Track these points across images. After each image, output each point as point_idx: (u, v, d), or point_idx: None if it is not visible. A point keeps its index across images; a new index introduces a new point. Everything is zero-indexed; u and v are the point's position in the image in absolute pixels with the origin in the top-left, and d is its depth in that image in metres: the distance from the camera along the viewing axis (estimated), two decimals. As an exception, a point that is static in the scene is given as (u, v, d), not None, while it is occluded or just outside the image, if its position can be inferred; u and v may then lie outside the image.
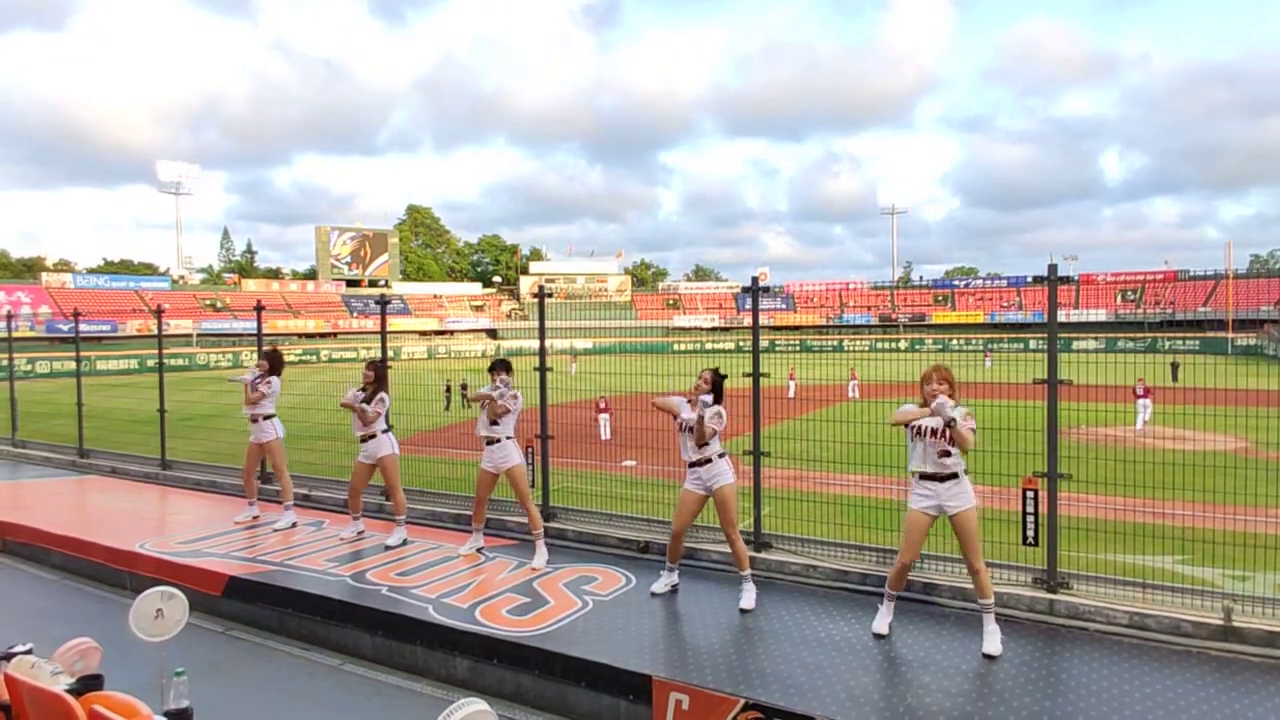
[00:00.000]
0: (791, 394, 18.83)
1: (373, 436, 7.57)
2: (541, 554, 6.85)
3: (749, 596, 5.82)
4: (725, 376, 5.91)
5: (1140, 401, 18.74)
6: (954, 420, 4.75)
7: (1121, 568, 6.46)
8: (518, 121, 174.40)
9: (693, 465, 5.85)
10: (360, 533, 7.78)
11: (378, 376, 7.71)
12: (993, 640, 4.91)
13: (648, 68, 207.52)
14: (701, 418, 5.62)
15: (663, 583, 6.15)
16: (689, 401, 5.85)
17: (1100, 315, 64.28)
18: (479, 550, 7.18)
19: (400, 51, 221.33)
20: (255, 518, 8.50)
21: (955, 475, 4.91)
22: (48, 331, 51.23)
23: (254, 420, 8.33)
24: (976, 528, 4.94)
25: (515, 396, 6.89)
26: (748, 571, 5.90)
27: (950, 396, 4.85)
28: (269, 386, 8.30)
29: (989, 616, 5.00)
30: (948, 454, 4.88)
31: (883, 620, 5.27)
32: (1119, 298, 69.41)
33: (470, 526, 7.34)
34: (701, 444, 5.74)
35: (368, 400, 7.55)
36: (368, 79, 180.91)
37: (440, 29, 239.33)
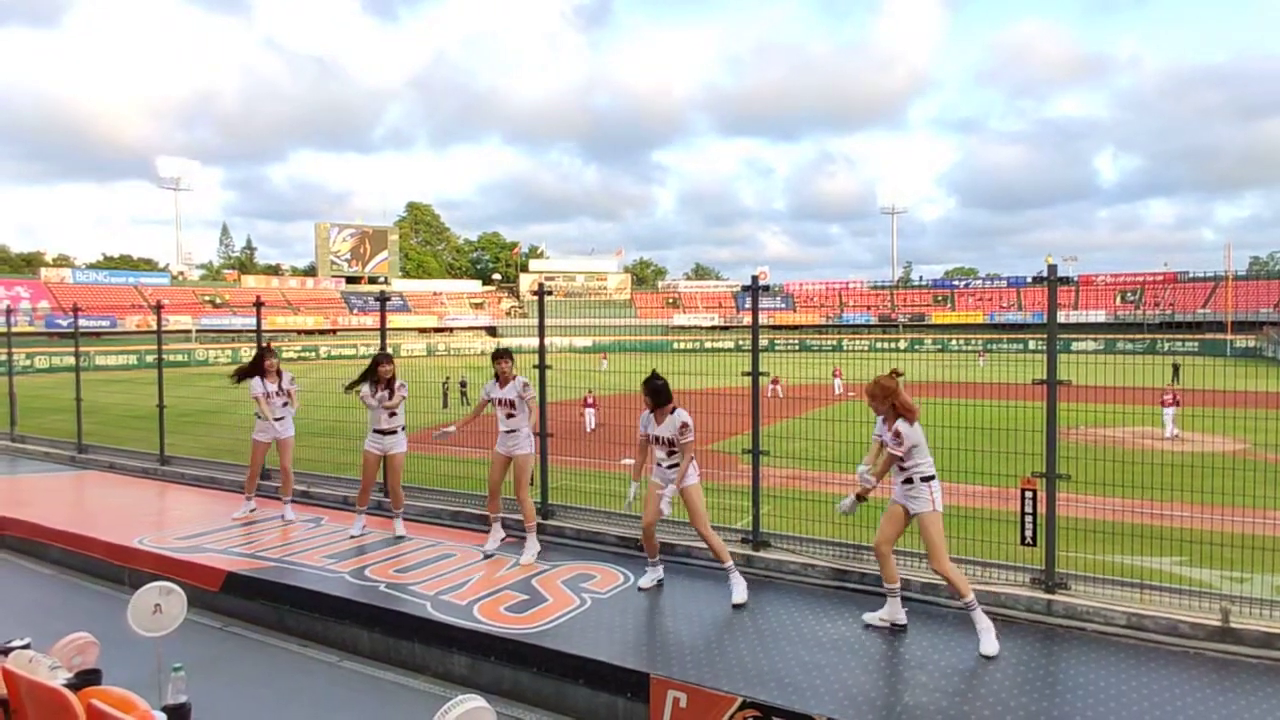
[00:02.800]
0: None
1: (394, 432, 7.61)
2: (531, 549, 6.88)
3: (739, 590, 5.84)
4: (660, 380, 5.90)
5: (1166, 410, 18.65)
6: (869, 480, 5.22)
7: (1120, 569, 6.47)
8: (512, 120, 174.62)
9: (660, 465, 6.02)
10: (364, 528, 7.80)
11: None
12: (988, 639, 4.92)
13: (640, 67, 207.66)
14: (676, 441, 5.83)
15: (649, 578, 6.21)
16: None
17: (1100, 316, 64.30)
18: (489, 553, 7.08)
19: (393, 49, 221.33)
20: (253, 511, 8.52)
21: (910, 480, 5.15)
22: (47, 326, 51.27)
23: (277, 419, 8.37)
24: (936, 533, 5.05)
25: (526, 385, 6.99)
26: (730, 564, 5.93)
27: (894, 408, 5.15)
28: (293, 385, 8.46)
29: (977, 614, 5.00)
30: (899, 460, 5.17)
31: (876, 614, 5.39)
32: (1118, 299, 69.49)
33: (484, 525, 7.34)
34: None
35: (390, 390, 7.58)
36: (361, 76, 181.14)
37: (432, 27, 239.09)
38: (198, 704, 3.17)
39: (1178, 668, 4.69)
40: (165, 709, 2.83)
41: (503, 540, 7.19)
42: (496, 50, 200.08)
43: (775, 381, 21.18)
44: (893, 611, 5.35)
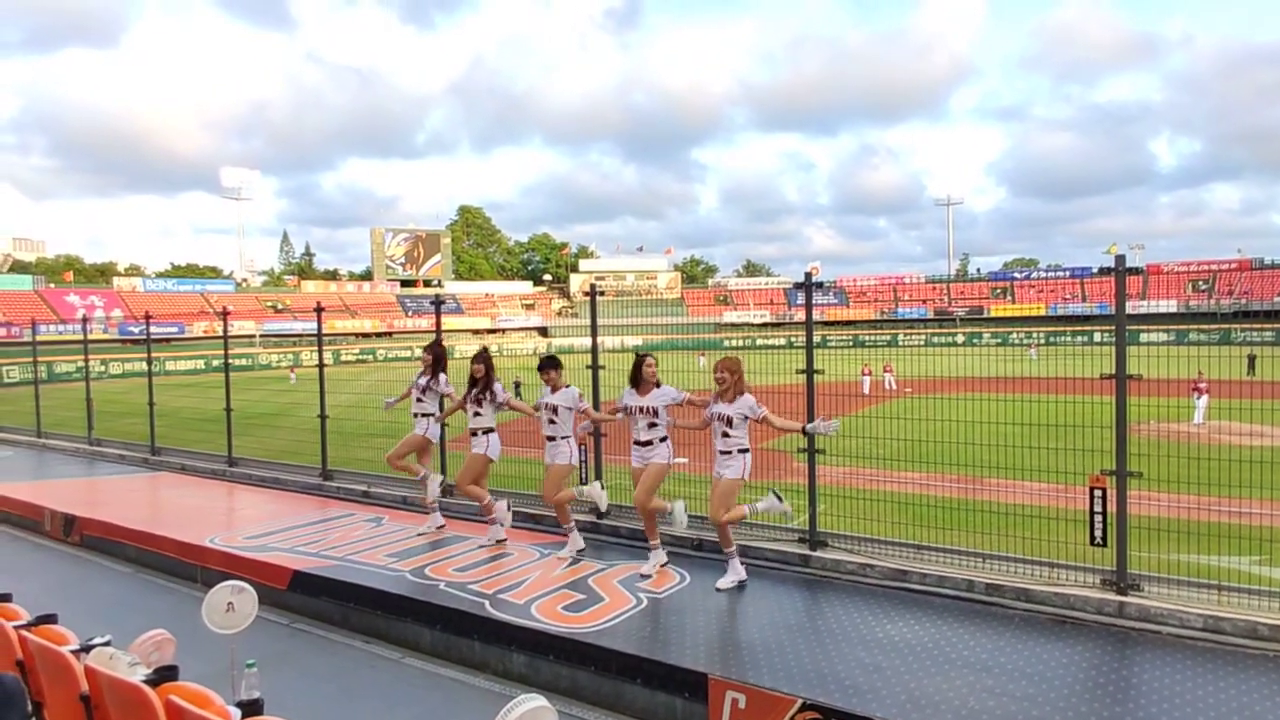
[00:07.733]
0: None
1: (474, 433, 7.13)
2: (573, 545, 7.04)
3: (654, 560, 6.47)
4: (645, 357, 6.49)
5: (1199, 399, 17.95)
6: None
7: (1194, 569, 6.22)
8: (551, 122, 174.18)
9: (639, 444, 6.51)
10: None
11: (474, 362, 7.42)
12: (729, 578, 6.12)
13: (674, 66, 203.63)
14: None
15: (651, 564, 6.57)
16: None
17: (1170, 306, 61.86)
18: (578, 553, 7.03)
19: (432, 56, 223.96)
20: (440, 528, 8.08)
21: (730, 452, 5.99)
22: (120, 334, 53.24)
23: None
24: (734, 495, 6.03)
25: (581, 397, 7.00)
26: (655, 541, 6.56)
27: (734, 387, 5.95)
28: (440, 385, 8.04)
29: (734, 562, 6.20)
30: (727, 435, 5.97)
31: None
32: (1189, 288, 66.80)
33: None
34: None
35: (480, 391, 7.32)
36: (403, 83, 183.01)
37: (468, 33, 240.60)
38: (267, 698, 3.24)
39: (1257, 671, 4.50)
40: (239, 704, 2.90)
41: (580, 550, 7.06)
42: (532, 55, 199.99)
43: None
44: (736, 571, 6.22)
